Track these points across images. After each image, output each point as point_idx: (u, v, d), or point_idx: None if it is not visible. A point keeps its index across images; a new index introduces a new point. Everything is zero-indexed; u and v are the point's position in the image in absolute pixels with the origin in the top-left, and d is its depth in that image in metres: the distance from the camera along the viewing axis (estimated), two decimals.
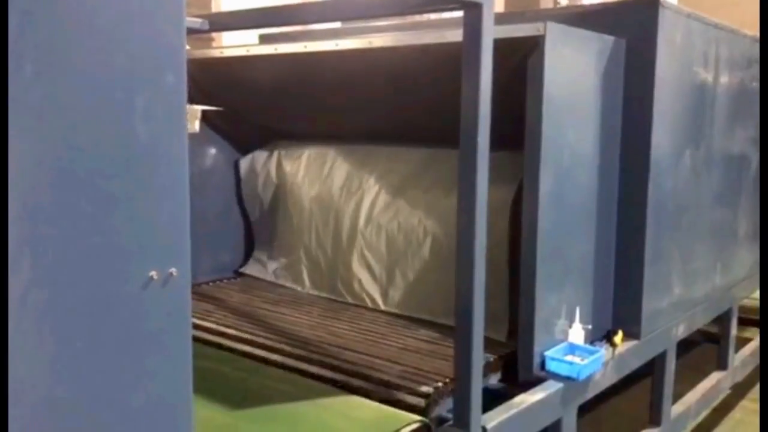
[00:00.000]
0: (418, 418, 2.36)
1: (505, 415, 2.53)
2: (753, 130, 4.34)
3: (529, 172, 2.72)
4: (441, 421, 2.48)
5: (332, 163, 4.03)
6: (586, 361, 2.81)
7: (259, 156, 4.32)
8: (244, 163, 4.32)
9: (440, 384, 2.58)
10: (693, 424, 4.23)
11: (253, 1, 5.40)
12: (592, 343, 3.03)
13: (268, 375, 2.79)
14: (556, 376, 2.79)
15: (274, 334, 3.20)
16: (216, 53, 3.67)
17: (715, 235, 4.02)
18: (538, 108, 2.66)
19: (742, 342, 4.82)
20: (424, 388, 2.55)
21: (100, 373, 1.45)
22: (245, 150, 4.34)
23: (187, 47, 1.55)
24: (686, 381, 4.15)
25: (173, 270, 1.53)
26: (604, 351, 2.98)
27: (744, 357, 4.71)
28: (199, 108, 2.07)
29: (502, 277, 3.14)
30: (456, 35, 2.31)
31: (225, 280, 4.19)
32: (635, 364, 3.35)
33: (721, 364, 4.47)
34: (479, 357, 2.35)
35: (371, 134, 3.87)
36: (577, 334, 2.92)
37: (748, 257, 4.57)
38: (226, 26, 3.24)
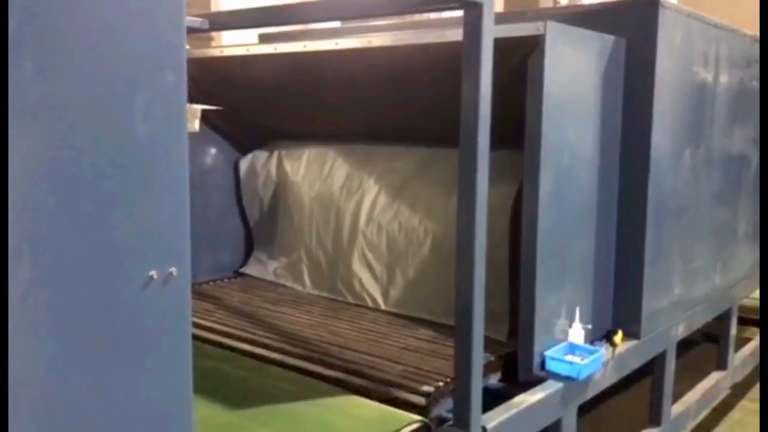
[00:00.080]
0: (418, 417, 2.36)
1: (505, 415, 2.53)
2: (753, 130, 4.34)
3: (529, 172, 2.72)
4: (441, 420, 2.48)
5: (332, 162, 4.03)
6: (586, 361, 2.81)
7: (260, 156, 4.32)
8: (244, 163, 4.32)
9: (441, 383, 2.58)
10: (693, 423, 4.22)
11: (253, 1, 5.40)
12: (592, 342, 3.03)
13: (269, 374, 2.79)
14: (556, 376, 2.79)
15: (274, 333, 3.20)
16: (216, 53, 3.67)
17: (715, 234, 4.02)
18: (538, 108, 2.65)
19: (741, 342, 4.82)
20: (425, 388, 2.55)
21: (99, 373, 1.45)
22: (245, 150, 4.34)
23: (187, 47, 1.54)
24: (686, 381, 4.15)
25: (173, 270, 1.53)
26: (604, 351, 2.98)
27: (744, 357, 4.71)
28: (198, 107, 2.07)
29: (503, 276, 3.14)
30: (456, 34, 2.31)
31: (225, 280, 4.19)
32: (635, 363, 3.35)
33: (721, 364, 4.47)
34: (479, 357, 2.35)
35: (371, 134, 3.87)
36: (577, 333, 2.92)
37: (748, 257, 4.57)
38: (225, 25, 3.24)
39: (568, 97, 2.80)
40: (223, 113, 3.33)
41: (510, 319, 3.10)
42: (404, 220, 3.65)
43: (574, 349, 2.89)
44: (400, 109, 3.42)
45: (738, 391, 4.83)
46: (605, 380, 3.10)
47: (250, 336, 3.15)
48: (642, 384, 3.90)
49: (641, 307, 3.24)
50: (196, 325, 3.19)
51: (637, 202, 3.18)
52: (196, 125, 2.02)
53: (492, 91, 2.23)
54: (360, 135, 3.95)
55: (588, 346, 2.93)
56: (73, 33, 1.35)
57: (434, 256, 3.52)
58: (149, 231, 1.50)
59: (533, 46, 2.63)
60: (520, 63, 2.68)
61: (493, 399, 2.63)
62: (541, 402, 2.69)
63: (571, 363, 2.78)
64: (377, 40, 3.06)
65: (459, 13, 2.25)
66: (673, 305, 3.57)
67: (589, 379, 2.90)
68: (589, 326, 2.98)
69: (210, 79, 3.62)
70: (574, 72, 2.83)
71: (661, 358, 3.59)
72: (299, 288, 4.04)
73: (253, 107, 3.97)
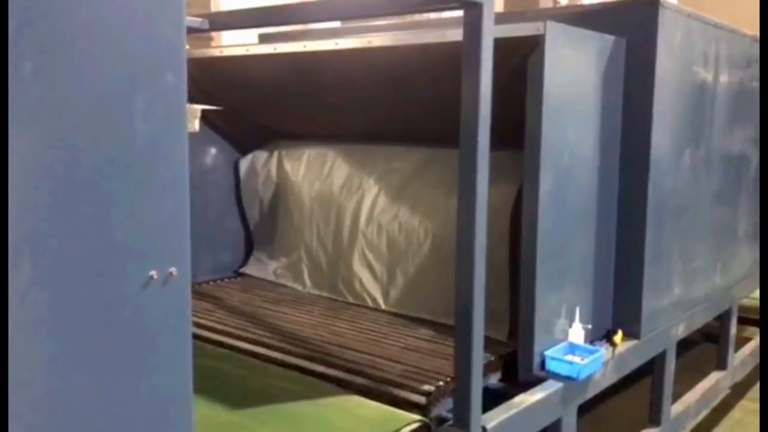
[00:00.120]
0: (418, 417, 2.36)
1: (505, 415, 2.53)
2: (753, 130, 4.34)
3: (529, 172, 2.72)
4: (441, 420, 2.48)
5: (333, 162, 4.03)
6: (586, 361, 2.81)
7: (260, 156, 4.32)
8: (244, 163, 4.32)
9: (441, 383, 2.59)
10: (692, 423, 4.22)
11: (253, 1, 5.39)
12: (592, 342, 3.03)
13: (270, 374, 2.80)
14: (556, 376, 2.79)
15: (275, 333, 3.20)
16: (215, 52, 3.67)
17: (715, 234, 4.02)
18: (538, 108, 2.65)
19: (741, 341, 4.82)
20: (426, 387, 2.56)
21: (99, 373, 1.45)
22: (245, 150, 4.34)
23: (187, 47, 1.54)
24: (686, 381, 4.15)
25: (173, 270, 1.53)
26: (604, 351, 2.98)
27: (743, 357, 4.71)
28: (198, 107, 2.07)
29: (504, 276, 3.15)
30: (456, 34, 2.31)
31: (225, 280, 4.19)
32: (635, 363, 3.35)
33: (721, 364, 4.47)
34: (479, 357, 2.35)
35: (372, 134, 3.87)
36: (577, 333, 2.92)
37: (748, 257, 4.57)
38: (225, 25, 3.24)
39: (568, 97, 2.80)
40: (223, 113, 3.34)
41: (511, 319, 3.10)
42: (404, 220, 3.66)
43: (574, 349, 2.89)
44: (400, 109, 3.42)
45: (738, 391, 4.83)
46: (605, 380, 3.10)
47: (250, 335, 3.15)
48: (642, 384, 3.90)
49: (641, 307, 3.24)
50: (197, 325, 3.19)
51: (637, 202, 3.18)
52: (196, 125, 2.02)
53: (492, 91, 2.23)
54: (360, 135, 3.95)
55: (588, 346, 2.93)
56: (73, 33, 1.35)
57: (434, 255, 3.52)
58: (149, 231, 1.50)
59: (533, 46, 2.63)
60: (520, 63, 2.68)
61: (493, 399, 2.63)
62: (541, 402, 2.69)
63: (571, 363, 2.78)
64: (377, 40, 3.06)
65: (459, 13, 2.25)
66: (673, 305, 3.58)
67: (589, 379, 2.90)
68: (589, 326, 2.98)
69: (210, 79, 3.62)
70: (574, 72, 2.83)
71: (661, 358, 3.59)
72: (299, 288, 4.04)
73: (253, 107, 3.97)
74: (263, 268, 4.27)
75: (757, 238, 4.52)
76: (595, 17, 3.16)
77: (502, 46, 2.27)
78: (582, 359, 2.82)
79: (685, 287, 3.67)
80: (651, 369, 3.62)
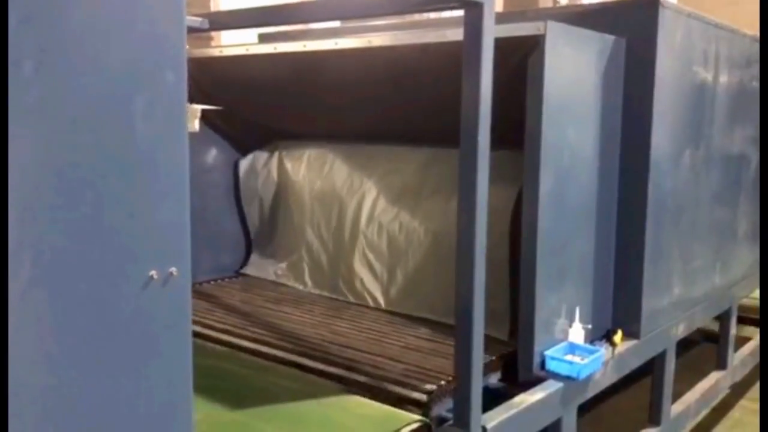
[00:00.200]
0: (419, 417, 2.36)
1: (505, 415, 2.53)
2: (753, 129, 4.34)
3: (529, 172, 2.72)
4: (441, 420, 2.48)
5: (333, 162, 4.03)
6: (586, 361, 2.81)
7: (260, 156, 4.32)
8: (245, 163, 4.32)
9: (443, 382, 2.59)
10: (692, 423, 4.23)
11: (253, 0, 5.39)
12: (592, 342, 3.03)
13: (272, 372, 2.80)
14: (556, 376, 2.79)
15: (276, 332, 3.20)
16: (215, 52, 3.67)
17: (715, 234, 4.02)
18: (538, 107, 2.65)
19: (741, 341, 4.82)
20: (427, 386, 2.56)
21: (99, 373, 1.45)
22: (245, 150, 4.34)
23: (186, 46, 1.54)
24: (686, 380, 4.15)
25: (173, 270, 1.53)
26: (603, 350, 2.98)
27: (743, 356, 4.71)
28: (198, 107, 2.06)
29: (504, 276, 3.14)
30: (456, 34, 2.31)
31: (226, 279, 4.19)
32: (635, 363, 3.35)
33: (721, 364, 4.47)
34: (479, 357, 2.34)
35: (372, 134, 3.87)
36: (577, 333, 2.92)
37: (748, 256, 4.57)
38: (225, 25, 3.24)
39: (568, 97, 2.80)
40: (223, 113, 3.33)
41: (511, 318, 3.10)
42: (405, 220, 3.66)
43: (574, 349, 2.89)
44: (401, 109, 3.42)
45: (737, 391, 4.83)
46: (605, 380, 3.10)
47: (252, 335, 3.15)
48: (642, 384, 3.90)
49: (641, 306, 3.24)
50: (199, 324, 3.20)
51: (637, 202, 3.18)
52: (196, 125, 2.02)
53: (492, 91, 2.22)
54: (360, 135, 3.95)
55: (588, 345, 2.93)
56: (73, 33, 1.35)
57: (435, 255, 3.52)
58: (149, 231, 1.50)
59: (533, 45, 2.63)
60: (520, 63, 2.68)
61: (493, 399, 2.63)
62: (541, 402, 2.69)
63: (571, 363, 2.78)
64: (377, 40, 3.06)
65: (459, 12, 2.25)
66: (673, 305, 3.58)
67: (589, 378, 2.90)
68: (589, 326, 2.98)
69: (210, 79, 3.62)
70: (574, 72, 2.83)
71: (660, 357, 3.59)
72: (300, 287, 4.04)
73: (253, 107, 3.97)
74: (264, 267, 4.27)
75: (757, 238, 4.52)
76: (595, 17, 3.16)
77: (502, 45, 2.27)
78: (582, 359, 2.82)
79: (685, 287, 3.67)
80: (651, 369, 3.62)
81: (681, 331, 3.72)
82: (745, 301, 4.79)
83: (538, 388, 2.75)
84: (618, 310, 3.26)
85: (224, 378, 2.68)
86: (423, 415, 2.40)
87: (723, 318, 4.42)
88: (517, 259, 2.89)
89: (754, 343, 4.89)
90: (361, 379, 2.67)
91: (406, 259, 3.63)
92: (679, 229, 3.55)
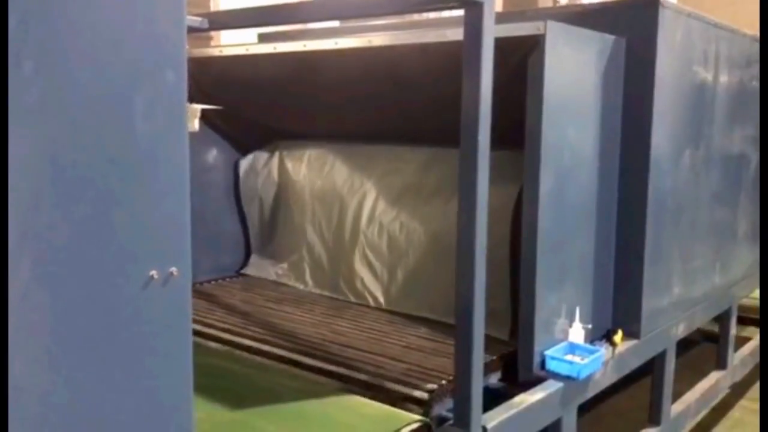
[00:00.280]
0: (419, 417, 2.36)
1: (505, 415, 2.53)
2: (753, 129, 4.34)
3: (529, 172, 2.72)
4: (441, 420, 2.48)
5: (334, 162, 4.04)
6: (586, 361, 2.81)
7: (260, 156, 4.32)
8: (245, 163, 4.32)
9: (444, 381, 2.59)
10: (692, 423, 4.22)
11: (252, 0, 5.39)
12: (592, 342, 3.03)
13: (272, 372, 2.81)
14: (556, 376, 2.79)
15: (277, 331, 3.21)
16: (215, 52, 3.67)
17: (715, 234, 4.02)
18: (538, 107, 2.65)
19: (741, 341, 4.82)
20: (429, 385, 2.56)
21: (100, 373, 1.45)
22: (245, 150, 4.34)
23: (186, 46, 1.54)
24: (686, 380, 4.15)
25: (174, 269, 1.53)
26: (604, 350, 2.98)
27: (743, 356, 4.71)
28: (198, 107, 2.06)
29: (505, 275, 3.14)
30: (456, 34, 2.31)
31: (227, 279, 4.19)
32: (635, 363, 3.35)
33: (721, 364, 4.47)
34: (479, 357, 2.34)
35: (372, 134, 3.87)
36: (577, 333, 2.92)
37: (748, 256, 4.57)
38: (225, 25, 3.24)
39: (568, 97, 2.80)
40: (222, 113, 3.33)
41: (512, 318, 3.10)
42: (405, 219, 3.66)
43: (574, 349, 2.89)
44: (401, 109, 3.42)
45: (737, 391, 4.83)
46: (605, 380, 3.10)
47: (252, 334, 3.16)
48: (642, 384, 3.90)
49: (641, 306, 3.24)
50: (199, 323, 3.20)
51: (637, 202, 3.18)
52: (196, 125, 2.02)
53: (492, 90, 2.22)
54: (361, 135, 3.95)
55: (588, 345, 2.93)
56: (73, 33, 1.35)
57: (435, 255, 3.52)
58: (149, 231, 1.50)
59: (533, 45, 2.63)
60: (520, 63, 2.68)
61: (493, 399, 2.63)
62: (541, 402, 2.69)
63: (571, 363, 2.78)
64: (377, 40, 3.06)
65: (459, 12, 2.25)
66: (673, 305, 3.58)
67: (589, 378, 2.89)
68: (589, 326, 2.98)
69: (210, 79, 3.62)
70: (574, 72, 2.83)
71: (660, 357, 3.59)
72: (301, 287, 4.04)
73: (253, 107, 3.97)
74: (264, 267, 4.27)
75: (757, 238, 4.52)
76: (595, 17, 3.16)
77: (502, 45, 2.27)
78: (582, 359, 2.82)
79: (684, 287, 3.67)
80: (651, 369, 3.62)
81: (681, 331, 3.72)
82: (745, 301, 4.79)
83: (538, 388, 2.75)
84: (618, 310, 3.26)
85: (225, 377, 2.68)
86: (423, 414, 2.40)
87: (723, 318, 4.42)
88: (518, 259, 2.89)
89: (754, 343, 4.89)
90: (362, 378, 2.67)
91: (407, 259, 3.64)
92: (679, 229, 3.55)
